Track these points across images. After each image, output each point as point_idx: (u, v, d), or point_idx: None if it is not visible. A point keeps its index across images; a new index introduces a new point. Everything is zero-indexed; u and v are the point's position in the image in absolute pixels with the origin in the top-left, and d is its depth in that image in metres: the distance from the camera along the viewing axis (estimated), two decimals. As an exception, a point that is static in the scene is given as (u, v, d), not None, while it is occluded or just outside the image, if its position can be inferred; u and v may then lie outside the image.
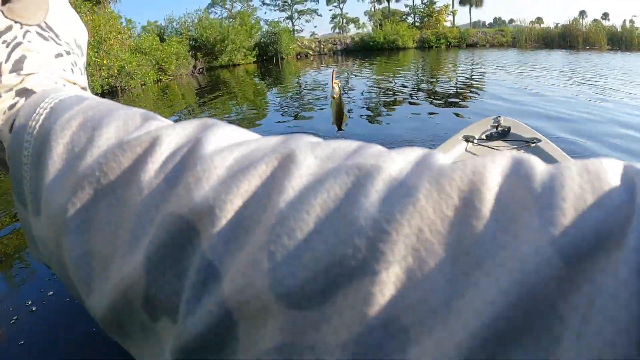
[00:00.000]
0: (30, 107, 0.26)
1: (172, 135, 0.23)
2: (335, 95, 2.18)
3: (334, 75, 2.26)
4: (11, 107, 0.27)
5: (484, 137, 2.11)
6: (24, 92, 0.28)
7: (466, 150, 2.03)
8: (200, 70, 16.59)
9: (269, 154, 0.21)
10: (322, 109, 6.30)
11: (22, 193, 0.25)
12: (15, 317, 1.67)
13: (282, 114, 5.91)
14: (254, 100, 7.83)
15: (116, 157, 0.22)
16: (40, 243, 0.25)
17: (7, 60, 0.27)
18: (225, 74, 14.94)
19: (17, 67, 0.28)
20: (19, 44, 0.28)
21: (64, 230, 0.22)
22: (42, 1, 0.31)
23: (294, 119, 5.47)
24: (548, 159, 1.76)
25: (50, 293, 1.81)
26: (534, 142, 1.96)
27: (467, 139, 2.10)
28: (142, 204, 0.21)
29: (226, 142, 0.22)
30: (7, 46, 0.28)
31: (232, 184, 0.20)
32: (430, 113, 5.30)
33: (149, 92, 10.33)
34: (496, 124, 2.14)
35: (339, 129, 2.29)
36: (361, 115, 5.28)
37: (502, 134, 2.11)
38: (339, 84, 2.19)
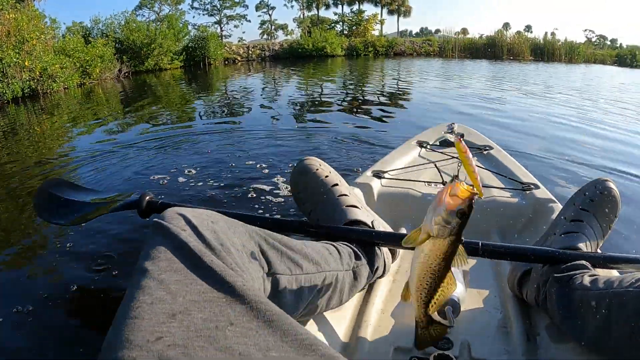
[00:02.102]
0: None
1: None
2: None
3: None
4: None
5: (437, 143, 2.15)
6: None
7: (420, 155, 2.06)
8: (126, 74, 15.89)
9: None
10: (249, 109, 6.57)
11: None
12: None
13: (210, 118, 5.98)
14: (181, 105, 7.67)
15: None
16: None
17: None
18: (151, 79, 14.45)
19: None
20: None
21: None
22: None
23: (223, 121, 5.50)
24: (498, 165, 1.81)
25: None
26: (486, 149, 2.01)
27: (421, 144, 2.13)
28: None
29: None
30: None
31: None
32: (370, 119, 5.43)
33: (72, 96, 9.71)
34: (450, 131, 2.19)
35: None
36: (294, 124, 5.31)
37: (456, 140, 2.15)
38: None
